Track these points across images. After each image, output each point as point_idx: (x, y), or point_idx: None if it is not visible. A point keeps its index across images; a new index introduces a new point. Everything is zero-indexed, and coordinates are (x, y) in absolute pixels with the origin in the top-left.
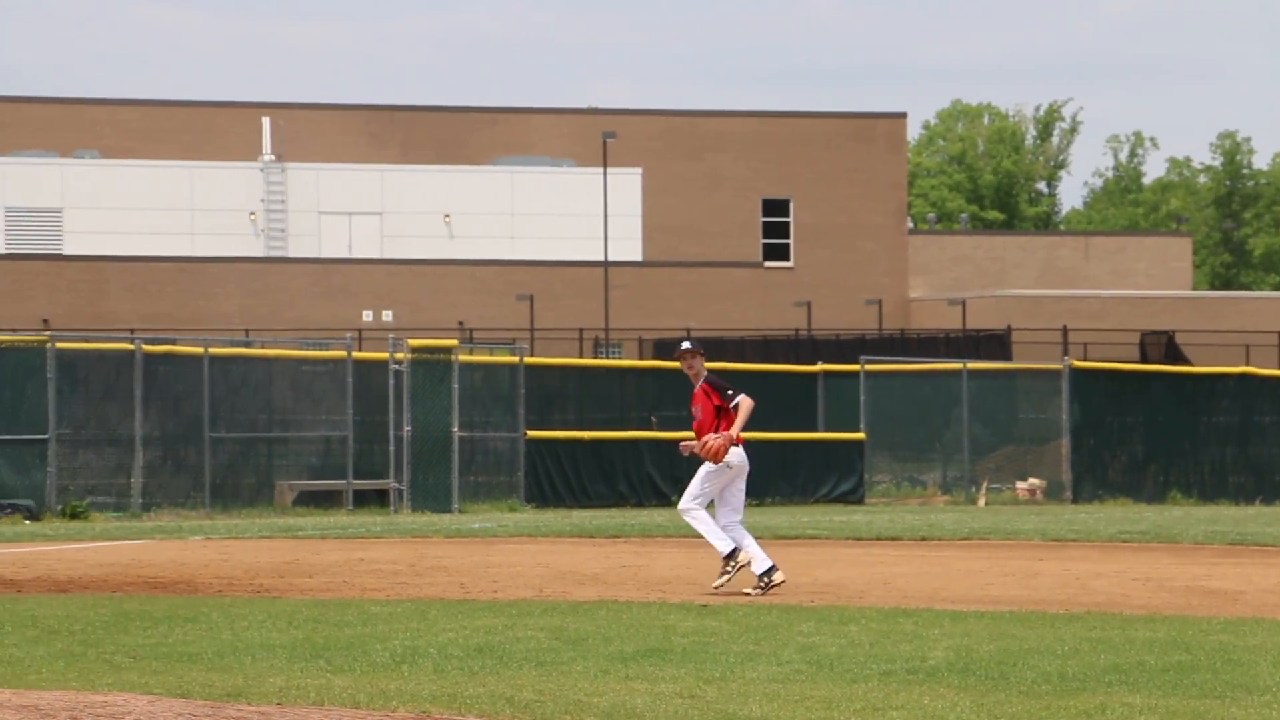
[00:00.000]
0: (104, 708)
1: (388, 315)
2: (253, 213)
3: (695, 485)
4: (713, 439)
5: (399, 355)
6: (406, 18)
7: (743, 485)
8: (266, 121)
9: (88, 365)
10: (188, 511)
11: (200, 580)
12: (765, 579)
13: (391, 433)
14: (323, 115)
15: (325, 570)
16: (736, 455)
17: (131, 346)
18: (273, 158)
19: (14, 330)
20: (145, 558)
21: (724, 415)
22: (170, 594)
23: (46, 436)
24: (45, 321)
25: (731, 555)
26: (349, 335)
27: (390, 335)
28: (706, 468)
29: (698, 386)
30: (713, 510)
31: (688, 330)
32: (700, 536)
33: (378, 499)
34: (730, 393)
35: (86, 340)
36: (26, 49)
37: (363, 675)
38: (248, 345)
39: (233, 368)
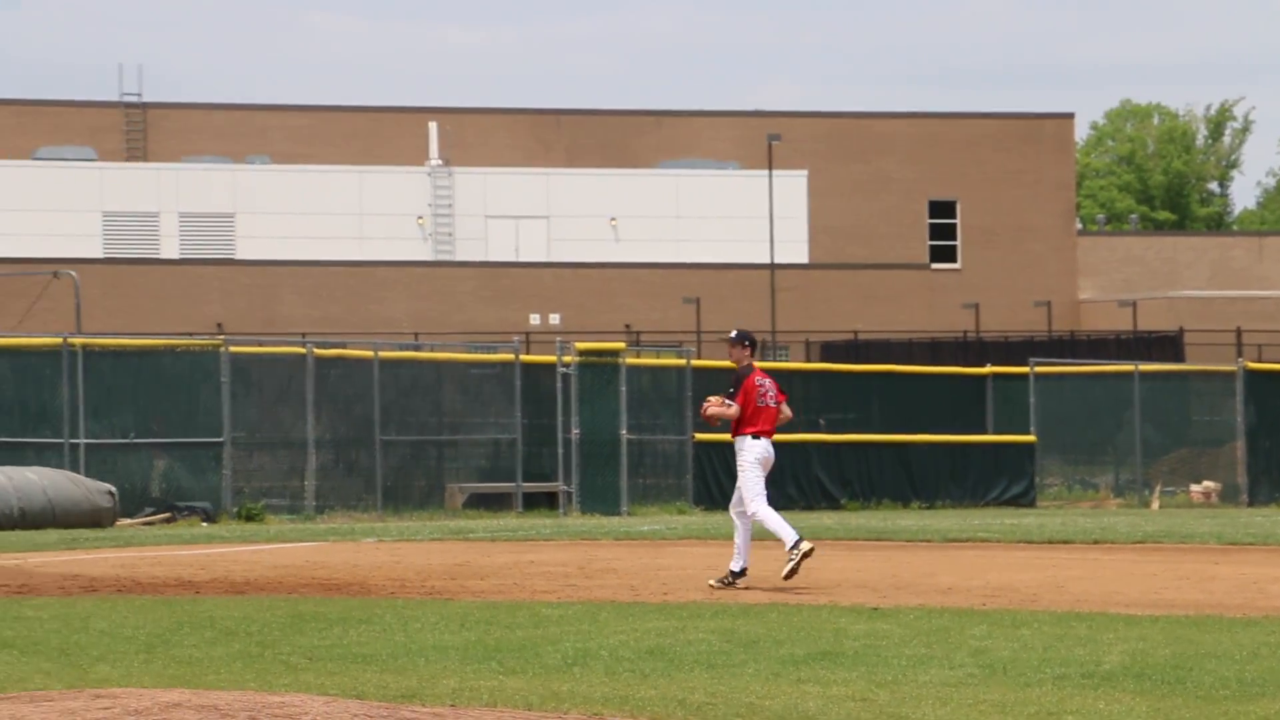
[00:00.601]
0: (281, 708)
1: (555, 318)
2: (421, 217)
3: (752, 485)
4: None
5: (567, 358)
6: (573, 21)
7: (763, 473)
8: (434, 126)
9: (260, 369)
10: (360, 514)
11: (373, 582)
12: (731, 578)
13: (560, 435)
14: (489, 119)
15: (496, 572)
16: (757, 449)
17: (303, 350)
18: (440, 162)
19: (189, 334)
20: (319, 559)
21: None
22: (344, 596)
23: (222, 440)
24: (219, 325)
25: (798, 543)
26: (516, 338)
27: (558, 338)
28: (751, 468)
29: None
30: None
31: (855, 333)
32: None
33: (547, 501)
34: (731, 391)
35: (259, 344)
36: (200, 56)
37: (535, 677)
38: (417, 349)
39: (402, 371)
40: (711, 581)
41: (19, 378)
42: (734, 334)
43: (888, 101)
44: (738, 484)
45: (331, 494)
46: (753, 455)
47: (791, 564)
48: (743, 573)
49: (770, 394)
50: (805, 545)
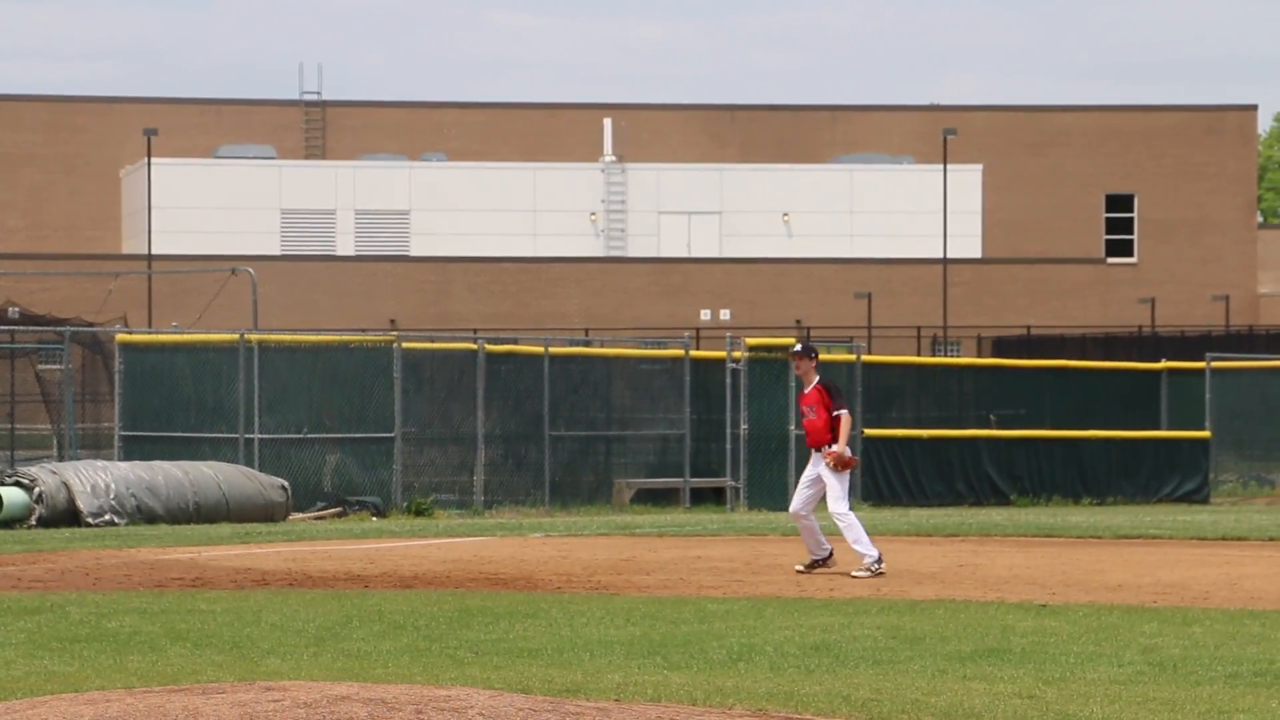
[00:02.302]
0: (447, 702)
1: (725, 314)
2: (593, 213)
3: (835, 487)
4: (837, 453)
5: (736, 354)
6: (749, 17)
7: (846, 476)
8: (608, 123)
9: (432, 365)
10: (528, 509)
11: (540, 577)
12: (814, 567)
13: (728, 431)
14: (663, 115)
15: (662, 568)
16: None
17: (474, 346)
18: (613, 158)
19: (363, 330)
20: (487, 554)
21: (833, 423)
22: (511, 590)
23: (393, 435)
24: (392, 321)
25: (818, 563)
26: (687, 334)
27: (728, 334)
28: (833, 471)
29: (809, 388)
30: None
31: (1027, 328)
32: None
33: (714, 497)
34: (835, 403)
35: (431, 340)
36: (378, 55)
37: (699, 672)
38: (587, 344)
39: (572, 367)
40: (799, 566)
41: (197, 373)
42: (799, 347)
43: (1064, 94)
44: (804, 485)
45: (500, 489)
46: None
47: (803, 567)
48: (818, 562)
49: None
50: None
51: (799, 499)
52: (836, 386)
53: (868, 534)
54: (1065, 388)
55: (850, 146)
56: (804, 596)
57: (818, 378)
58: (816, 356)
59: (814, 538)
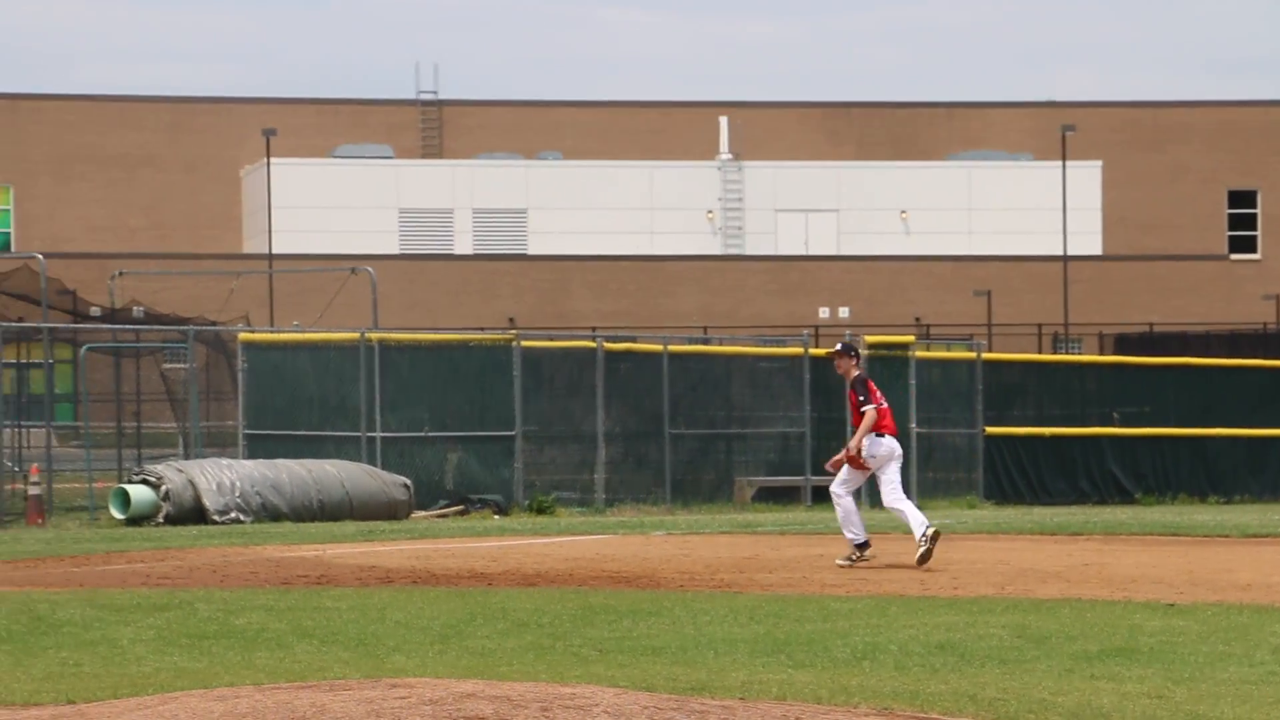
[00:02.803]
0: (572, 700)
1: (844, 312)
2: (710, 211)
3: (842, 473)
4: (843, 453)
5: None
6: (864, 13)
7: (895, 468)
8: (724, 120)
9: (552, 363)
10: (649, 507)
11: (662, 575)
12: (930, 540)
13: (849, 429)
14: (780, 113)
15: (785, 565)
16: (880, 448)
17: (593, 344)
18: (730, 156)
19: (481, 329)
20: (609, 552)
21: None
22: (634, 588)
23: (513, 433)
24: (511, 320)
25: (863, 548)
26: (805, 332)
27: (846, 331)
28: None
29: (848, 386)
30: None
31: (1150, 325)
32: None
33: None
34: (862, 399)
35: (550, 338)
36: (494, 53)
37: (824, 670)
38: (706, 343)
39: (691, 365)
40: (839, 562)
41: (319, 372)
42: (840, 346)
43: (1184, 89)
44: (843, 474)
45: (621, 487)
46: (873, 451)
47: (925, 546)
48: (867, 545)
49: (882, 396)
50: (870, 553)
51: (836, 480)
52: (863, 382)
53: (917, 516)
54: (1190, 385)
55: (968, 143)
56: (927, 595)
57: (855, 374)
58: (855, 355)
59: (847, 527)
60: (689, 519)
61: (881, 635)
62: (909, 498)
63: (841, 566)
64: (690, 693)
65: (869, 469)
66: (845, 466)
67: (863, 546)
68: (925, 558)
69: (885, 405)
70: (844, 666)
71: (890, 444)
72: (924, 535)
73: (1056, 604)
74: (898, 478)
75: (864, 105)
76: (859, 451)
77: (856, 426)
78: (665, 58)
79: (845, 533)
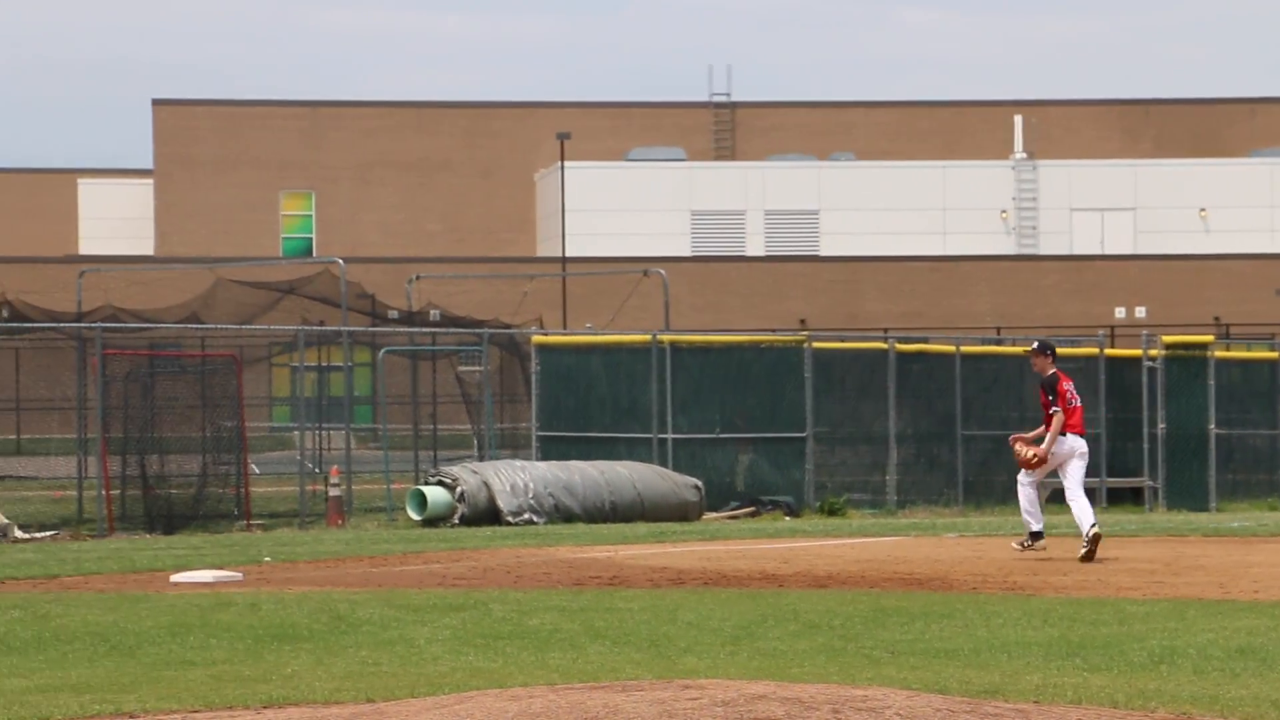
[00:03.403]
0: (864, 702)
1: (1140, 311)
2: (1004, 211)
3: (1070, 474)
4: (1024, 453)
5: (1152, 352)
6: (1160, 9)
7: (1077, 465)
8: (1018, 119)
9: (843, 364)
10: (941, 508)
11: (955, 577)
12: (1090, 541)
13: (1145, 430)
14: (1075, 111)
15: (1079, 568)
16: (1062, 446)
17: (885, 345)
18: (1024, 155)
19: (773, 330)
20: (901, 554)
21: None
22: (926, 590)
23: (804, 434)
24: (802, 321)
25: (1036, 536)
26: (1101, 332)
27: (1143, 332)
28: (1068, 460)
29: (1040, 385)
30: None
31: None
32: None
33: (1131, 497)
34: (1050, 400)
35: (841, 340)
36: (787, 55)
37: (1120, 674)
38: (999, 343)
39: (984, 366)
40: (1014, 545)
41: (611, 374)
42: (1036, 344)
43: None
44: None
45: (913, 488)
46: (1066, 449)
47: (1086, 548)
48: (1040, 535)
49: (1076, 395)
50: (1041, 544)
51: (1065, 485)
52: (1052, 384)
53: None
54: None
55: (1270, 140)
56: (1227, 598)
57: (1049, 374)
58: (1051, 353)
59: (1027, 515)
60: (981, 521)
61: (1179, 639)
62: (1085, 499)
63: (1015, 550)
64: (983, 696)
65: (1050, 465)
66: (1068, 464)
67: (1036, 535)
68: (1087, 558)
69: (1076, 404)
70: (1140, 670)
71: (1073, 442)
72: (1088, 536)
73: None
74: (1079, 475)
75: (1162, 102)
76: (1037, 457)
77: (1045, 424)
78: (959, 56)
79: (1023, 518)
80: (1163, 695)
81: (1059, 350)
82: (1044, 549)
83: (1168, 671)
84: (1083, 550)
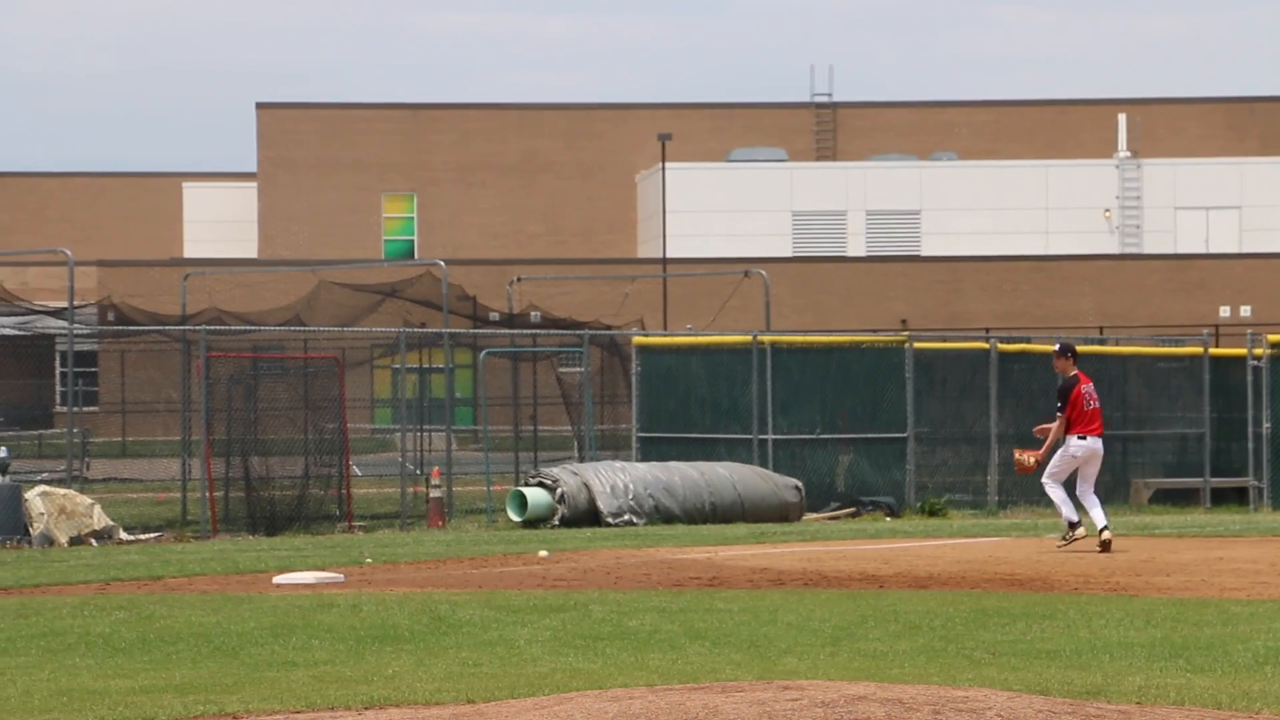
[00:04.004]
0: (964, 703)
1: (1245, 310)
2: (1107, 210)
3: (1050, 465)
4: (1024, 460)
5: (1258, 351)
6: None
7: (1093, 466)
8: (1122, 118)
9: (944, 364)
10: (1042, 509)
11: (1056, 577)
12: (1069, 536)
13: (1250, 430)
14: (1179, 109)
15: (1182, 569)
16: (1081, 449)
17: (986, 345)
18: (1128, 154)
19: (874, 330)
20: (1001, 555)
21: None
22: (1027, 591)
23: (905, 435)
24: (903, 321)
25: (1073, 526)
26: (1205, 331)
27: (1249, 330)
28: (1058, 454)
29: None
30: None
31: None
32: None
33: (1236, 497)
34: (1059, 405)
35: (943, 340)
36: (888, 54)
37: (1224, 675)
38: (1102, 343)
39: (1086, 366)
40: (1057, 541)
41: (711, 375)
42: (1058, 346)
43: None
44: (1051, 467)
45: (1014, 489)
46: (1073, 452)
47: (1064, 541)
48: (1077, 524)
49: (1095, 398)
50: (1080, 532)
51: (1045, 472)
52: (1063, 388)
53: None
54: None
55: None
56: None
57: (1067, 376)
58: (1070, 355)
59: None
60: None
61: None
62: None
63: (1060, 545)
64: (1085, 697)
65: (1071, 465)
66: (1054, 459)
67: (1074, 525)
68: (1091, 547)
69: (1094, 407)
70: (1245, 671)
71: (1093, 444)
72: (1071, 526)
73: None
74: (1093, 475)
75: (1268, 99)
76: (1036, 461)
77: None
78: (1061, 55)
79: (1061, 513)
80: (1267, 696)
81: (1078, 350)
82: (1083, 534)
83: (1273, 672)
84: (1061, 541)
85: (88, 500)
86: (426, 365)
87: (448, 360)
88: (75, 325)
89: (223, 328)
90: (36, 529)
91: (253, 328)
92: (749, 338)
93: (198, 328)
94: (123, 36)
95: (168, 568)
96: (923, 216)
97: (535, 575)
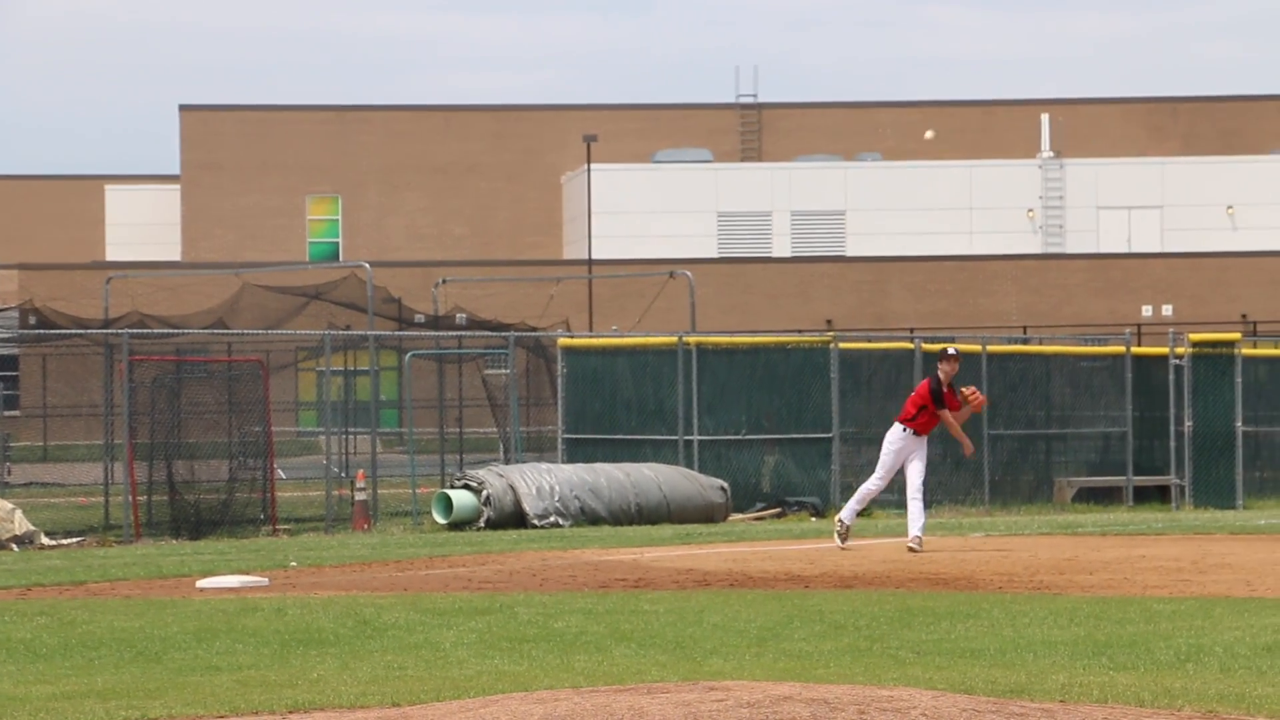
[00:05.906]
0: (889, 702)
1: (1167, 309)
2: (1031, 210)
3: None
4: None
5: (1179, 350)
6: (1187, 7)
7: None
8: (1045, 118)
9: (870, 364)
10: (967, 508)
11: (981, 576)
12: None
13: (1172, 428)
14: (1102, 110)
15: (1106, 567)
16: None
17: (911, 345)
18: (1051, 154)
19: (799, 331)
20: (927, 554)
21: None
22: (952, 590)
23: (830, 435)
24: (829, 322)
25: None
26: (1127, 330)
27: (1170, 330)
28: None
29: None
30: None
31: None
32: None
33: (1158, 495)
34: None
35: (868, 340)
36: (813, 55)
37: (1146, 673)
38: (1025, 342)
39: (1011, 365)
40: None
41: (637, 376)
42: (954, 350)
43: None
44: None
45: (939, 488)
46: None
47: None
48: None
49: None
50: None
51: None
52: (917, 390)
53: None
54: None
55: None
56: (1254, 596)
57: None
58: (948, 358)
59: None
60: (1008, 520)
61: (1206, 637)
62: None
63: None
64: (1009, 695)
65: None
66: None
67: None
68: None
69: (916, 405)
70: (1167, 669)
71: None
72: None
73: None
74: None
75: (1190, 100)
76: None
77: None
78: (986, 56)
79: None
80: (1189, 694)
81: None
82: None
83: (1194, 670)
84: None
85: (9, 505)
86: (351, 368)
87: (373, 362)
88: None
89: (146, 331)
90: None
91: (176, 331)
92: (674, 339)
93: (120, 331)
94: (40, 36)
95: (90, 573)
96: (848, 217)
97: (461, 578)
